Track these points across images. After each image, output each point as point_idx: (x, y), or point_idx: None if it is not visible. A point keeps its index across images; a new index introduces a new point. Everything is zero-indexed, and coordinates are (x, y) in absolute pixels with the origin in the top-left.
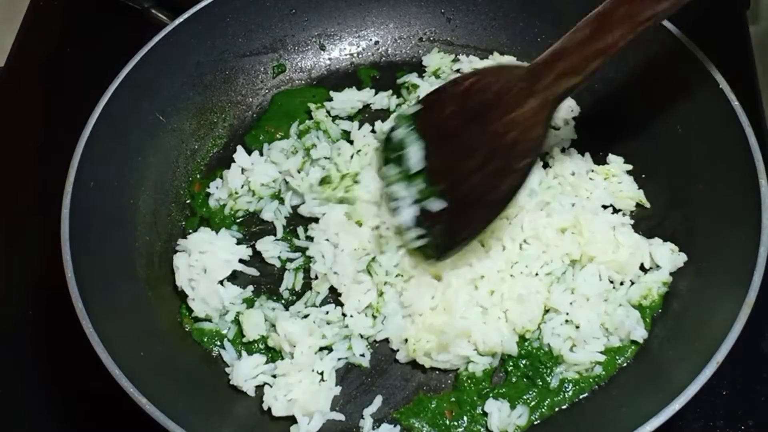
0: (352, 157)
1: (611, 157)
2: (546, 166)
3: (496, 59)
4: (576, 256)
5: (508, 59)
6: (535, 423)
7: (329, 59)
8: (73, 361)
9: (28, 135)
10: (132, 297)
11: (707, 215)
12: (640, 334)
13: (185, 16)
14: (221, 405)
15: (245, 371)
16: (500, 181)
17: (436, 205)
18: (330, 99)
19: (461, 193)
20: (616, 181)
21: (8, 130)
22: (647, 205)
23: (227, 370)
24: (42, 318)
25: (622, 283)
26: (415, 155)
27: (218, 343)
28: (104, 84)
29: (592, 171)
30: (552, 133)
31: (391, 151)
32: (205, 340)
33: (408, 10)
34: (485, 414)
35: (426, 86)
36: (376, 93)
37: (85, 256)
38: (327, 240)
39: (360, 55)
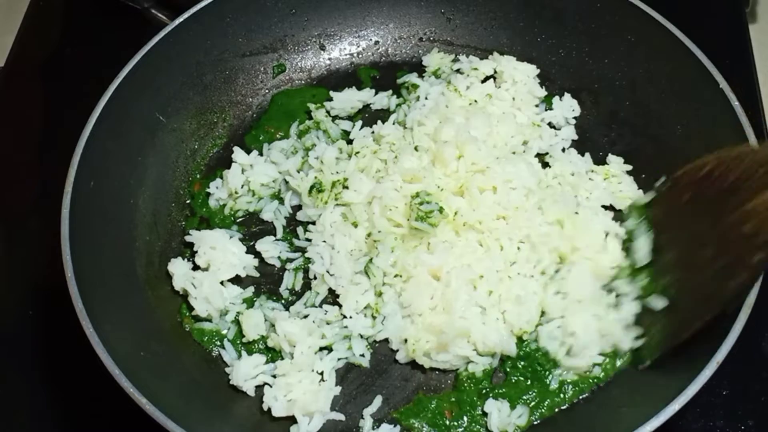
0: (349, 156)
1: (611, 158)
2: (546, 165)
3: (495, 59)
4: (564, 249)
5: (507, 59)
6: (535, 423)
7: (329, 59)
8: (73, 361)
9: (28, 135)
10: (132, 297)
11: None
12: (628, 345)
13: (185, 16)
14: (221, 405)
15: (245, 371)
16: (729, 278)
17: (658, 303)
18: (330, 99)
19: (687, 290)
20: (615, 181)
21: (8, 130)
22: (646, 200)
23: (227, 370)
24: (42, 318)
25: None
26: (643, 247)
27: (218, 343)
28: (104, 84)
29: (592, 171)
30: (552, 132)
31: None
32: (205, 339)
33: (408, 10)
34: (485, 414)
35: (426, 86)
36: (376, 93)
37: (85, 256)
38: (324, 241)
39: (360, 55)
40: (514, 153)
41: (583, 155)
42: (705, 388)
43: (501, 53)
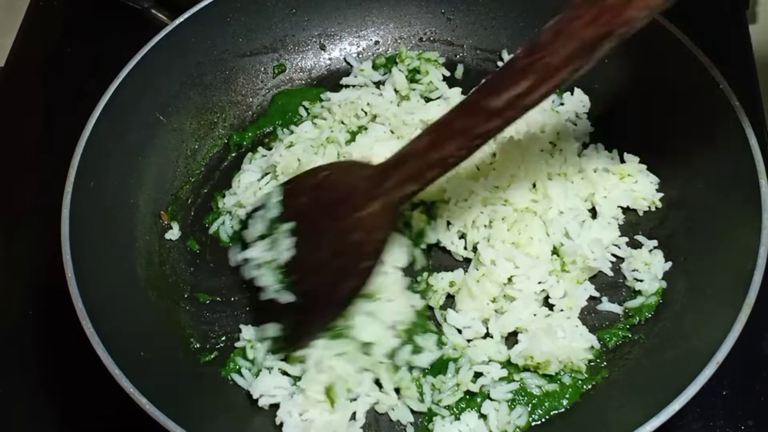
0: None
1: (627, 156)
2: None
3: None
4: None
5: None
6: (534, 424)
7: (329, 59)
8: (73, 361)
9: (28, 135)
10: (132, 297)
11: (707, 215)
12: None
13: (185, 16)
14: (221, 405)
15: (264, 388)
16: (342, 281)
17: (285, 297)
18: (328, 100)
19: (308, 288)
20: (631, 181)
21: (8, 130)
22: (659, 205)
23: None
24: (42, 318)
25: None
26: (284, 241)
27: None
28: (104, 84)
29: (607, 170)
30: (569, 127)
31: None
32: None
33: (408, 10)
34: None
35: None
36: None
37: (85, 256)
38: None
39: (360, 55)
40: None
41: (610, 152)
42: (705, 388)
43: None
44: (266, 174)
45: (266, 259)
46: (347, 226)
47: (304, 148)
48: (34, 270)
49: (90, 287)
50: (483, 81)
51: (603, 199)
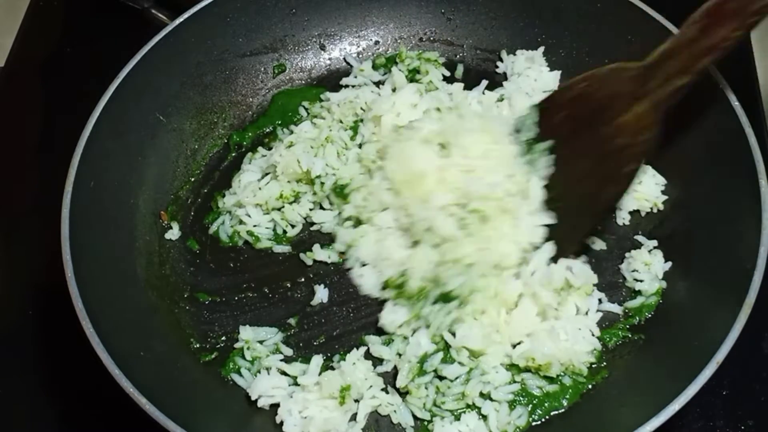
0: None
1: None
2: None
3: (504, 59)
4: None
5: (509, 59)
6: (534, 424)
7: (329, 59)
8: (73, 361)
9: (28, 135)
10: (132, 297)
11: (707, 215)
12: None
13: (185, 16)
14: (221, 405)
15: (262, 389)
16: (606, 187)
17: (548, 218)
18: (327, 100)
19: (570, 201)
20: (635, 182)
21: (8, 130)
22: (662, 207)
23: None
24: (42, 318)
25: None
26: (542, 161)
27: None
28: (104, 84)
29: None
30: None
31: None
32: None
33: (408, 10)
34: None
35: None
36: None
37: (85, 256)
38: None
39: (360, 55)
40: None
41: None
42: (705, 388)
43: (508, 53)
44: (266, 174)
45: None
46: (610, 132)
47: (304, 148)
48: (34, 270)
49: (90, 287)
50: None
51: None
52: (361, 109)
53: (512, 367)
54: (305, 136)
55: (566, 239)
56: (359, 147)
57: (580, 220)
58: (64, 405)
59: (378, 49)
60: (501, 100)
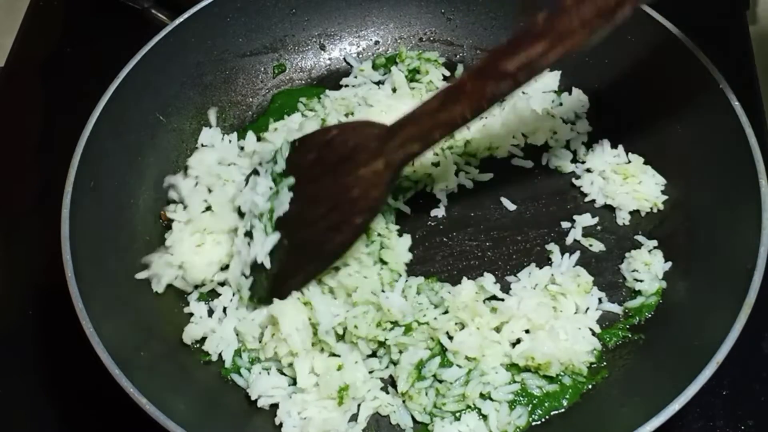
0: None
1: (631, 156)
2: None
3: None
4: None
5: None
6: (534, 424)
7: (329, 59)
8: (73, 361)
9: (28, 135)
10: (132, 297)
11: (707, 215)
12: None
13: (185, 16)
14: (221, 405)
15: (261, 389)
16: (336, 234)
17: (268, 246)
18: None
19: (299, 239)
20: (635, 182)
21: (8, 130)
22: (661, 207)
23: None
24: (42, 318)
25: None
26: (284, 196)
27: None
28: (104, 84)
29: (614, 171)
30: (568, 128)
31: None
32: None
33: (408, 10)
34: None
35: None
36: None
37: (85, 256)
38: None
39: (360, 55)
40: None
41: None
42: (705, 388)
43: None
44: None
45: (263, 210)
46: (348, 182)
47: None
48: (34, 270)
49: (90, 287)
50: (498, 44)
51: (603, 199)
52: (357, 104)
53: (512, 366)
54: (291, 126)
55: (291, 278)
56: None
57: (307, 263)
58: (64, 405)
59: (378, 49)
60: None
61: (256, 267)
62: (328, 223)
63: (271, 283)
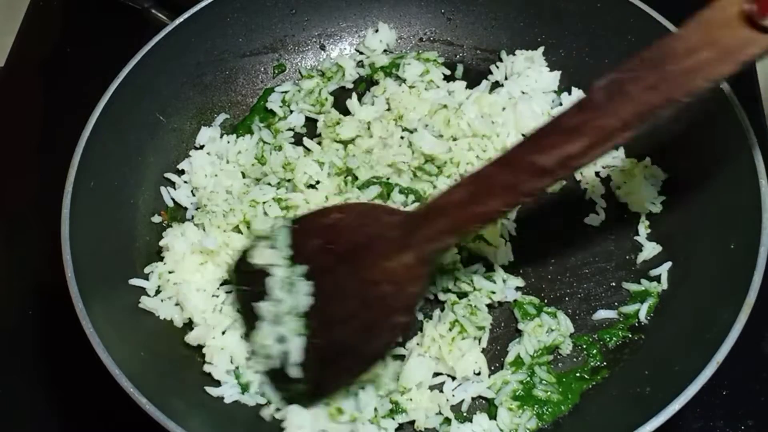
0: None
1: (631, 156)
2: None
3: (504, 59)
4: None
5: (509, 59)
6: (542, 426)
7: (329, 59)
8: (73, 361)
9: (28, 135)
10: (132, 297)
11: (707, 215)
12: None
13: (185, 16)
14: (221, 405)
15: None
16: (373, 336)
17: (298, 348)
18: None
19: (334, 339)
20: (635, 182)
21: (8, 130)
22: (661, 207)
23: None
24: (42, 318)
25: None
26: (302, 287)
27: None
28: (104, 84)
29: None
30: None
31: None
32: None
33: (408, 10)
34: None
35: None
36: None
37: (85, 256)
38: None
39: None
40: None
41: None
42: (705, 388)
43: (507, 53)
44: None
45: (285, 308)
46: (374, 276)
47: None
48: (34, 270)
49: (90, 287)
50: (529, 135)
51: (602, 199)
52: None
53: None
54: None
55: (326, 380)
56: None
57: (351, 363)
58: (64, 405)
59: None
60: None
61: (285, 377)
62: (362, 323)
63: (312, 387)
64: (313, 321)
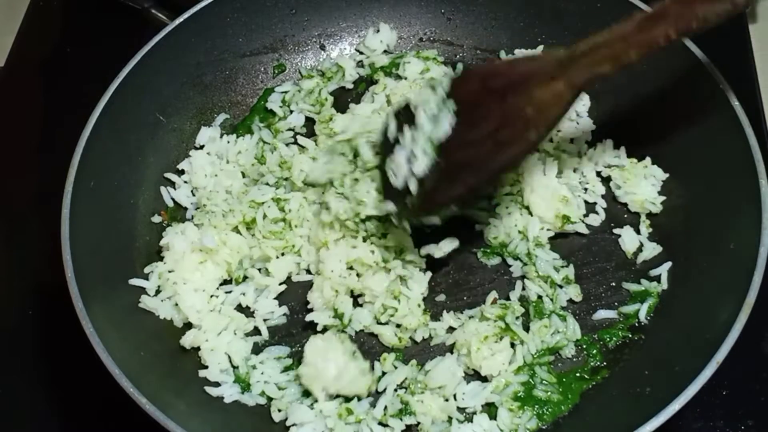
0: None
1: (632, 156)
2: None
3: (501, 57)
4: None
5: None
6: (542, 427)
7: (329, 59)
8: (73, 361)
9: (28, 135)
10: (132, 297)
11: (707, 215)
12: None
13: (185, 16)
14: (221, 405)
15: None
16: (504, 149)
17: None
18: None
19: (459, 159)
20: (635, 182)
21: (8, 130)
22: (661, 208)
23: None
24: (42, 318)
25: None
26: (445, 119)
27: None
28: (104, 84)
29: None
30: (572, 125)
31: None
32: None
33: (408, 10)
34: None
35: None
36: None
37: (85, 256)
38: None
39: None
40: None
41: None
42: (705, 388)
43: (508, 53)
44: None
45: (425, 135)
46: (519, 102)
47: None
48: (34, 270)
49: (90, 287)
50: None
51: (602, 199)
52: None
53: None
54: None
55: (435, 194)
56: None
57: (461, 177)
58: (64, 405)
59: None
60: None
61: (399, 193)
62: (495, 139)
63: (421, 199)
64: (444, 146)
